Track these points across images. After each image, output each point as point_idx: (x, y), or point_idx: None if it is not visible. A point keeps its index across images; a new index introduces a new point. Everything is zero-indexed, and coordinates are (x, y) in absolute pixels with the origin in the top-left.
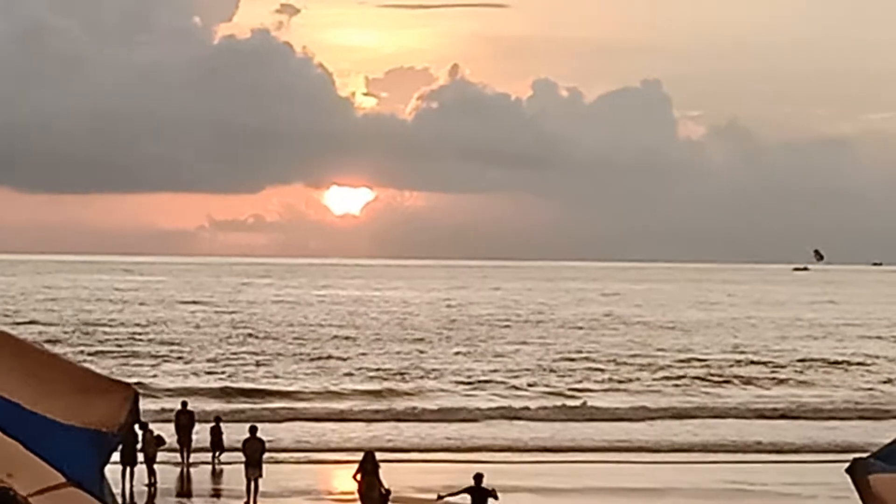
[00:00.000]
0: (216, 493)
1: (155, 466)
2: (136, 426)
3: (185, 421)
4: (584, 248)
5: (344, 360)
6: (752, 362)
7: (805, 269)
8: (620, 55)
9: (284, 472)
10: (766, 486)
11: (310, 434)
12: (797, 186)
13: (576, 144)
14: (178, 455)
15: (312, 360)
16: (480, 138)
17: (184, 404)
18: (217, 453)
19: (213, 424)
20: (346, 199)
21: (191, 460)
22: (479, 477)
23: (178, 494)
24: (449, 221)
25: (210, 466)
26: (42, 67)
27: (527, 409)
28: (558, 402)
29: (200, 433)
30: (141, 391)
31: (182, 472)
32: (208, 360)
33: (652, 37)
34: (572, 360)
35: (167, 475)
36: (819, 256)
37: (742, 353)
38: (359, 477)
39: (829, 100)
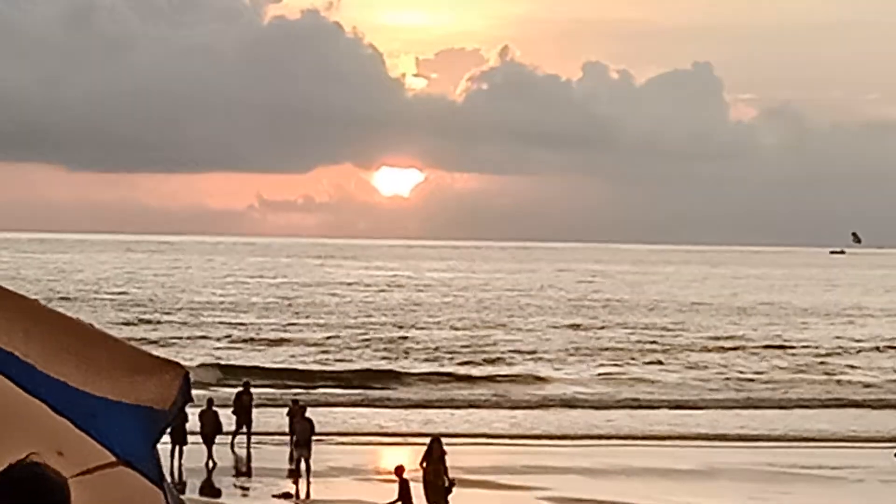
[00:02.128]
0: (268, 473)
1: (211, 447)
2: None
3: (246, 401)
4: (633, 230)
5: (402, 341)
6: (801, 347)
7: (842, 252)
8: (671, 37)
9: (333, 453)
10: (813, 470)
11: (363, 417)
12: (846, 169)
13: (626, 126)
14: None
15: (370, 342)
16: (530, 120)
17: (246, 385)
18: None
19: (292, 407)
20: (396, 180)
21: (251, 441)
22: (399, 469)
23: (238, 474)
24: (498, 203)
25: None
26: (93, 47)
27: (583, 394)
28: (613, 386)
29: (278, 417)
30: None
31: (234, 452)
32: (268, 342)
33: (703, 19)
34: (627, 341)
35: (219, 454)
36: (857, 239)
37: (788, 335)
38: (425, 464)
39: (879, 84)
